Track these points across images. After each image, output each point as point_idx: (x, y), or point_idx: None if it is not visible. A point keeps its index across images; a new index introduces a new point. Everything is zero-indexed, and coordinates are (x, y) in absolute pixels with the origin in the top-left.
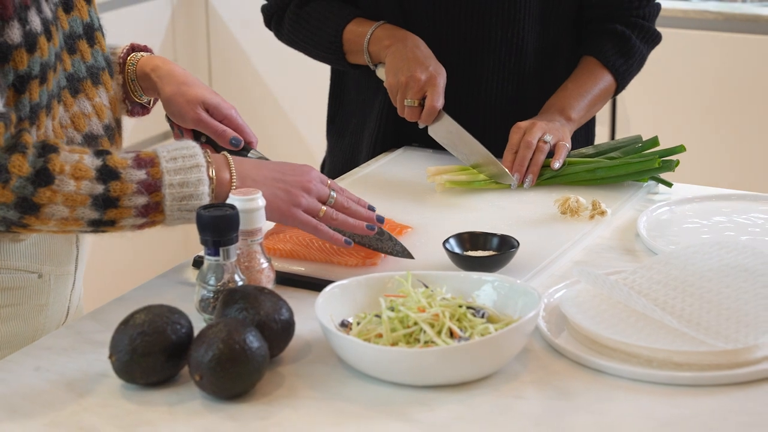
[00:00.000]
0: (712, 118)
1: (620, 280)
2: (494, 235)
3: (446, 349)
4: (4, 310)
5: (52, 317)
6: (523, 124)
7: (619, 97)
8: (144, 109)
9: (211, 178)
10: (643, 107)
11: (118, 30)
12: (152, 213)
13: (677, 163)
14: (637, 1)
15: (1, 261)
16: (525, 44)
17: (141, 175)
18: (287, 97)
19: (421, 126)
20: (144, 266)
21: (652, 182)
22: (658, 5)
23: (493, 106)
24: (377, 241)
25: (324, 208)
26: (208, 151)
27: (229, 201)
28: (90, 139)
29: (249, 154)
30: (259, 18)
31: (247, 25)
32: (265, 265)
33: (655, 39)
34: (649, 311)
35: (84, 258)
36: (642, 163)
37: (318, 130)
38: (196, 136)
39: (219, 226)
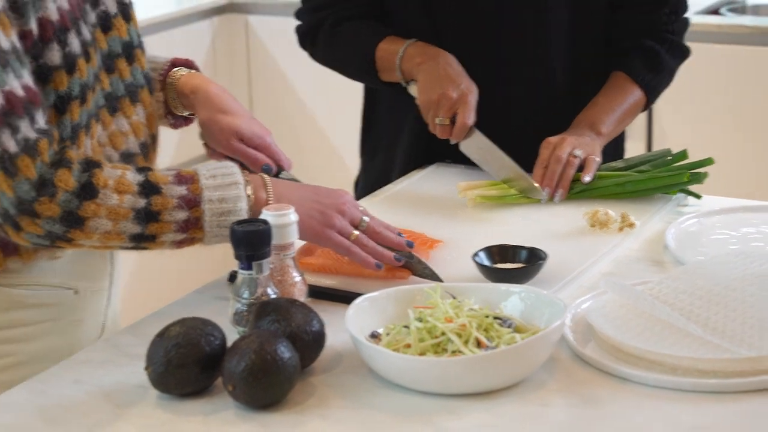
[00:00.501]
0: (746, 132)
1: (646, 290)
2: (523, 247)
3: (473, 358)
4: (42, 325)
5: (87, 332)
6: (553, 139)
7: (654, 112)
8: (187, 120)
9: (248, 196)
10: (678, 121)
11: (159, 53)
12: (192, 228)
13: (706, 175)
14: (665, 17)
15: (39, 278)
16: (555, 62)
17: (182, 190)
18: (326, 116)
19: (453, 142)
20: (182, 283)
21: (681, 194)
22: (687, 20)
23: (524, 122)
24: (408, 264)
25: (356, 232)
26: (246, 171)
27: (262, 216)
28: (126, 157)
29: (281, 175)
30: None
31: (287, 46)
32: (298, 278)
33: (684, 53)
34: (673, 320)
35: (119, 275)
36: (671, 177)
37: (355, 150)
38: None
39: (252, 241)
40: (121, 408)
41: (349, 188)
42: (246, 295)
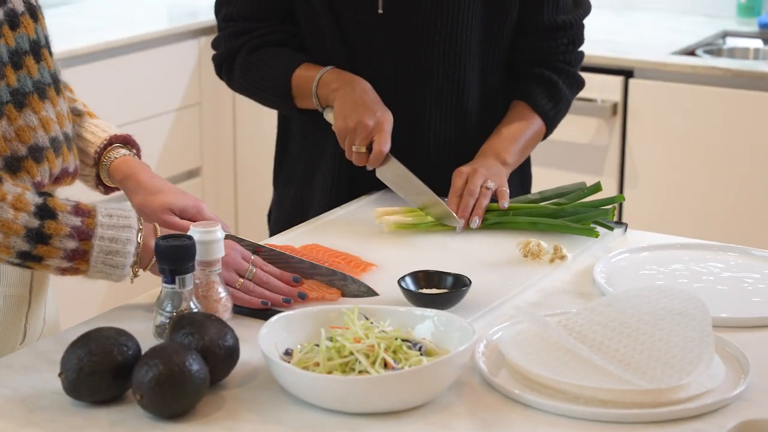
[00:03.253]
0: (718, 172)
1: (562, 320)
2: (449, 274)
3: (376, 378)
4: None
5: (3, 338)
6: (465, 169)
7: (628, 150)
8: (118, 189)
9: (138, 243)
10: (652, 160)
11: (146, 70)
12: (78, 260)
13: (613, 213)
14: (563, 47)
15: None
16: (466, 83)
17: (76, 221)
18: None
19: (369, 169)
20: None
21: (618, 229)
22: (582, 53)
23: (436, 144)
24: (343, 286)
25: (241, 280)
26: (142, 219)
27: (189, 232)
28: (35, 151)
29: None
30: None
31: None
32: (223, 295)
33: (579, 85)
34: (577, 349)
35: (47, 284)
36: (579, 230)
37: None
38: None
39: (175, 256)
40: (34, 413)
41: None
42: (169, 308)
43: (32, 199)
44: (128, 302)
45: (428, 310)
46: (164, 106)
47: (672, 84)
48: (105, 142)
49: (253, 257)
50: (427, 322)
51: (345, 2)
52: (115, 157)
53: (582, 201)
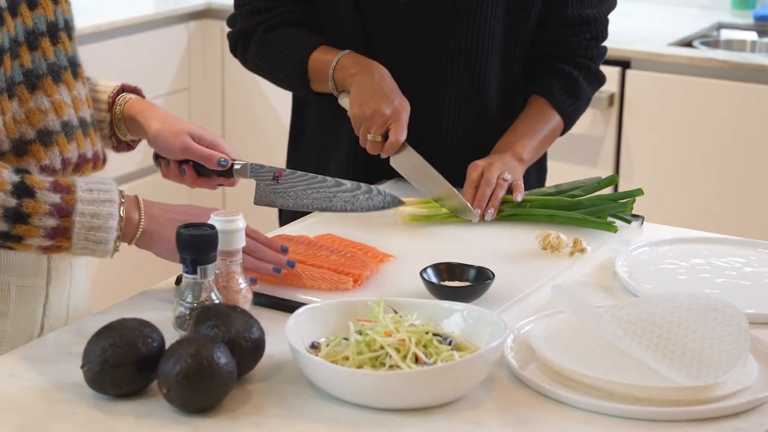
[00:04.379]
0: (714, 164)
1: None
2: (471, 266)
3: (409, 373)
4: None
5: (19, 328)
6: (480, 163)
7: (623, 141)
8: (129, 147)
9: (121, 216)
10: (647, 152)
11: (135, 54)
12: (59, 237)
13: (631, 207)
14: (585, 42)
15: None
16: (487, 74)
17: (55, 198)
18: None
19: (383, 157)
20: (138, 283)
21: (635, 222)
22: (605, 48)
23: (454, 136)
24: (368, 200)
25: None
26: (123, 191)
27: (210, 221)
28: (44, 135)
29: (235, 165)
30: None
31: None
32: (243, 285)
33: (600, 81)
34: (617, 339)
35: (70, 275)
36: (597, 224)
37: None
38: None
39: (197, 245)
40: (55, 405)
41: None
42: (189, 299)
43: (9, 177)
44: (142, 291)
45: (456, 303)
46: (153, 91)
47: (669, 75)
48: (117, 88)
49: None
50: (455, 316)
51: None
52: (130, 98)
53: (600, 194)
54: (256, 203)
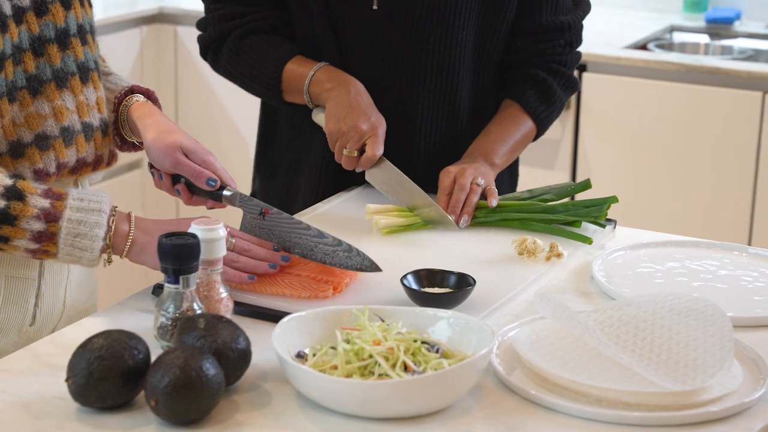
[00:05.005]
0: (670, 167)
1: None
2: (451, 273)
3: (400, 382)
4: None
5: (8, 317)
6: (452, 169)
7: (580, 143)
8: (135, 147)
9: (109, 227)
10: (604, 153)
11: None
12: (46, 242)
13: (605, 214)
14: (560, 48)
15: None
16: (459, 82)
17: (45, 203)
18: (251, 129)
19: (358, 171)
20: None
21: (609, 226)
22: (579, 54)
23: (426, 142)
24: (346, 258)
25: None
26: (116, 207)
27: (190, 230)
28: (41, 139)
29: (225, 192)
30: None
31: None
32: (224, 294)
33: (573, 86)
34: (602, 347)
35: (62, 270)
36: (573, 235)
37: None
38: (176, 181)
39: (180, 255)
40: (41, 420)
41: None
42: (171, 309)
43: (1, 180)
44: (118, 302)
45: (442, 310)
46: None
47: (625, 78)
48: (128, 88)
49: (229, 228)
50: (441, 323)
51: None
52: (136, 100)
53: (575, 200)
54: (241, 230)
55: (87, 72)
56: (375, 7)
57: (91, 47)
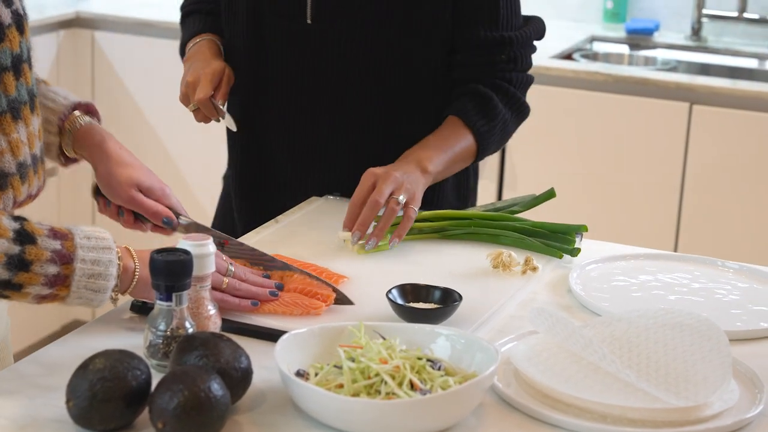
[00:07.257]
0: (597, 177)
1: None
2: (437, 287)
3: (411, 402)
4: None
5: None
6: (378, 171)
7: (507, 152)
8: (77, 160)
9: (119, 264)
10: (531, 164)
11: None
12: (58, 286)
13: (574, 242)
14: (502, 64)
15: None
16: (392, 99)
17: (56, 245)
18: (168, 133)
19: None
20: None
21: (577, 237)
22: (529, 78)
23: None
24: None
25: (226, 279)
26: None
27: (179, 246)
28: (22, 167)
29: (180, 219)
30: (145, 60)
31: (132, 62)
32: (213, 311)
33: (521, 108)
34: (606, 362)
35: None
36: (546, 250)
37: (197, 168)
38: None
39: (173, 271)
40: None
41: (194, 206)
42: (162, 327)
43: (9, 224)
44: (98, 317)
45: (440, 327)
46: None
47: (552, 88)
48: (70, 107)
49: (224, 256)
50: (440, 340)
51: (271, 6)
52: (81, 124)
53: (544, 225)
54: None
55: (33, 98)
56: (309, 22)
57: (33, 70)
